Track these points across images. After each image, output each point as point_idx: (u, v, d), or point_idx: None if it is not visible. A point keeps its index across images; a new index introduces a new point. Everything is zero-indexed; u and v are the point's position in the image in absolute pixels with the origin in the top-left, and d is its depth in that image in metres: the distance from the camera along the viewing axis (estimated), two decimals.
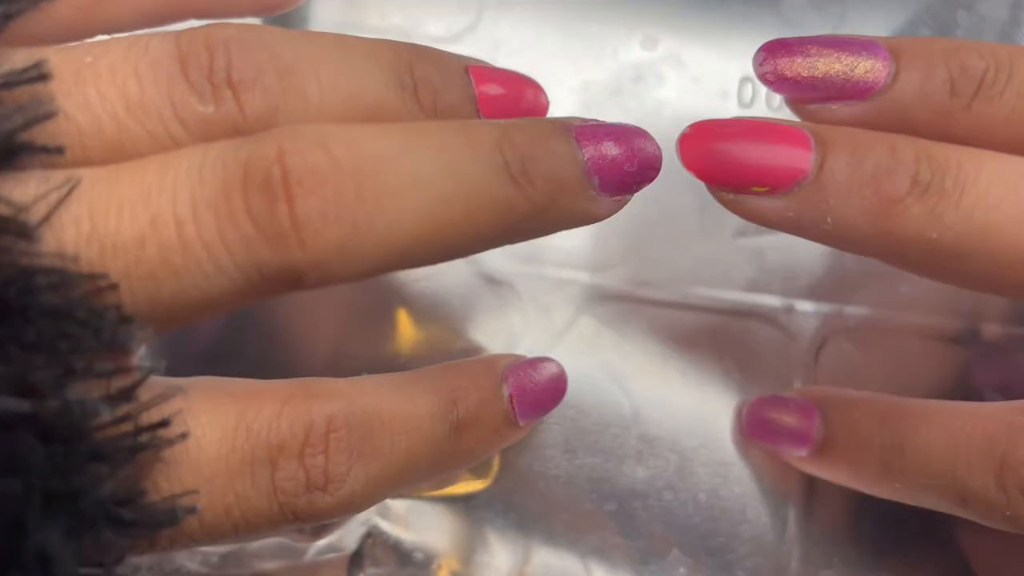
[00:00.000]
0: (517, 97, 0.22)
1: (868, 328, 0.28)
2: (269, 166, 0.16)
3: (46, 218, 0.15)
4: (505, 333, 0.27)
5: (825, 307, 0.28)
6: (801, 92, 0.21)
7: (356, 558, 0.27)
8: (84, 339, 0.15)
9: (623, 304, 0.28)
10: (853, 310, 0.28)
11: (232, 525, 0.18)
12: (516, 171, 0.17)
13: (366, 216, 0.16)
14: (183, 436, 0.17)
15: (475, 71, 0.20)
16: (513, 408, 0.22)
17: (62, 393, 0.15)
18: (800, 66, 0.21)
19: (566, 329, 0.27)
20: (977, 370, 0.28)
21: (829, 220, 0.19)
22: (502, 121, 0.18)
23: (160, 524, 0.16)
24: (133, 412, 0.16)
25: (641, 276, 0.28)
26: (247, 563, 0.28)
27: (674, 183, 0.28)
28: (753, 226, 0.28)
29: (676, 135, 0.28)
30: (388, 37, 0.28)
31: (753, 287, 0.28)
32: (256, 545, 0.28)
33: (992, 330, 0.28)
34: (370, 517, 0.27)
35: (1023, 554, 0.27)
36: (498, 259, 0.28)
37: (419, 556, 0.27)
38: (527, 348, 0.27)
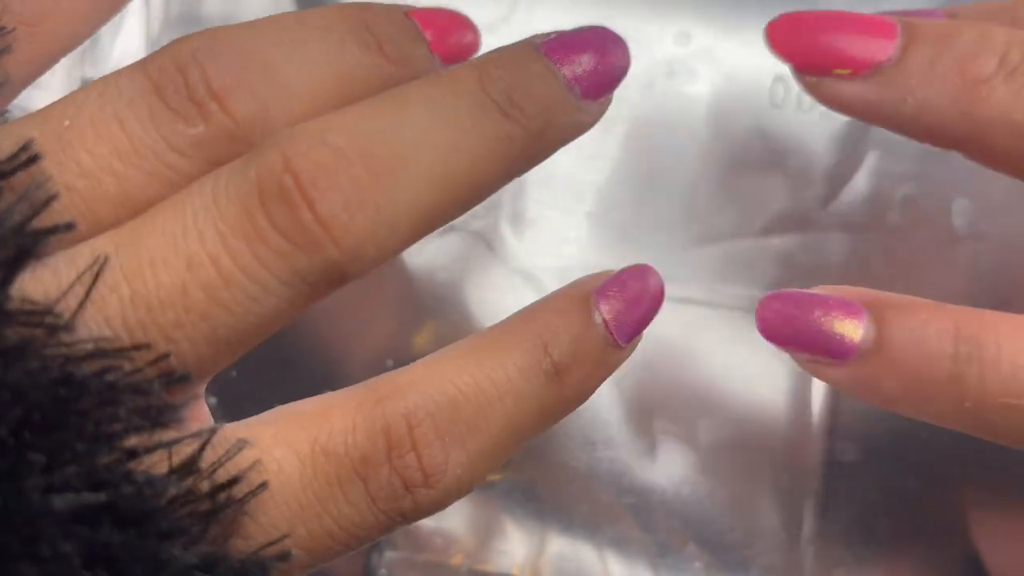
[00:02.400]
0: (443, 36, 0.21)
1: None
2: (280, 176, 0.16)
3: (86, 297, 0.15)
4: None
5: None
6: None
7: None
8: (140, 415, 0.15)
9: None
10: None
11: (342, 544, 0.17)
12: (505, 105, 0.18)
13: (386, 194, 0.16)
14: (262, 487, 0.16)
15: (414, 15, 0.20)
16: (611, 332, 0.20)
17: (131, 477, 0.14)
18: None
19: None
20: None
21: (910, 102, 0.19)
22: (475, 60, 0.18)
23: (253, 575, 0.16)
24: (204, 475, 0.16)
25: (667, 272, 0.28)
26: None
27: (703, 182, 0.28)
28: (778, 227, 0.28)
29: (707, 131, 0.28)
30: None
31: (778, 286, 0.28)
32: None
33: None
34: None
35: None
36: (525, 254, 0.28)
37: (437, 541, 0.28)
38: None
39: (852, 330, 0.19)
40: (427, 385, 0.18)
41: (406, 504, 0.17)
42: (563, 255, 0.28)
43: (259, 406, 0.28)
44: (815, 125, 0.28)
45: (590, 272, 0.28)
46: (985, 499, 0.28)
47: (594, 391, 0.20)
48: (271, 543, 0.16)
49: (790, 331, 0.21)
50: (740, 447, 0.28)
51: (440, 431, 0.17)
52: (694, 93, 0.28)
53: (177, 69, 0.17)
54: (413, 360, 0.27)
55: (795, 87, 0.28)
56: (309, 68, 0.18)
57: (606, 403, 0.27)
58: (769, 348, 0.28)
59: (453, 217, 0.18)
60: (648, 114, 0.28)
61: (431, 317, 0.28)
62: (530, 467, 0.27)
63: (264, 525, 0.16)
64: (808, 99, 0.28)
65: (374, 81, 0.18)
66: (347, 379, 0.27)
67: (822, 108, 0.28)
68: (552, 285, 0.27)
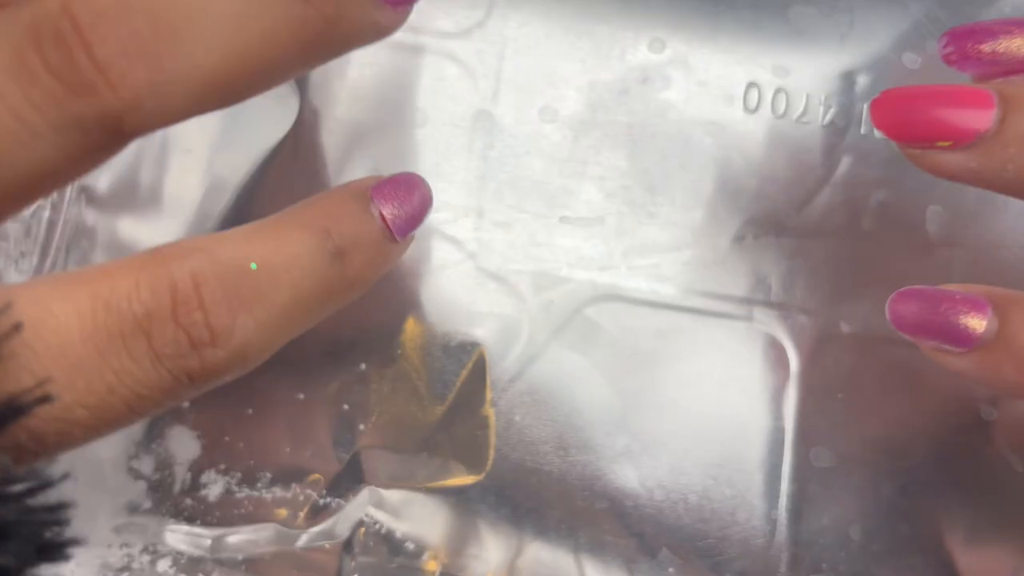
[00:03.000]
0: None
1: (864, 335, 0.28)
2: (56, 20, 0.15)
3: None
4: (504, 328, 0.28)
5: (823, 313, 0.28)
6: (983, 68, 0.22)
7: (348, 546, 0.28)
8: None
9: (621, 304, 0.28)
10: (849, 316, 0.28)
11: (124, 404, 0.17)
12: None
13: (168, 49, 0.16)
14: (16, 328, 0.16)
15: None
16: (386, 226, 0.21)
17: None
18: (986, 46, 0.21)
19: (564, 326, 0.28)
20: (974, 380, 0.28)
21: (1010, 168, 0.20)
22: None
23: (5, 418, 0.15)
24: None
25: (640, 277, 0.28)
26: (241, 548, 0.28)
27: (678, 188, 0.28)
28: (752, 232, 0.28)
29: (681, 137, 0.28)
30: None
31: (752, 292, 0.28)
32: (250, 531, 0.28)
33: None
34: (364, 507, 0.27)
35: (1010, 563, 0.28)
36: (499, 257, 0.28)
37: (410, 547, 0.28)
38: (525, 343, 0.28)
39: (976, 323, 0.21)
40: (215, 251, 0.18)
41: (192, 363, 0.17)
42: (535, 258, 0.28)
43: (233, 414, 0.28)
44: (789, 131, 0.28)
45: (563, 278, 0.28)
46: (958, 506, 0.28)
47: (374, 279, 0.22)
48: (33, 388, 0.16)
49: (920, 322, 0.22)
50: (713, 452, 0.28)
51: (228, 293, 0.18)
52: (668, 99, 0.28)
53: None
54: (390, 365, 0.28)
55: (769, 93, 0.29)
56: None
57: (580, 407, 0.27)
58: (742, 354, 0.28)
59: (244, 92, 0.18)
60: (622, 119, 0.28)
61: (410, 318, 0.28)
62: (504, 472, 0.27)
63: (39, 375, 0.16)
64: (782, 105, 0.29)
65: None
66: (324, 382, 0.27)
67: (796, 113, 0.29)
68: (525, 288, 0.28)
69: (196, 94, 0.17)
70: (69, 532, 0.16)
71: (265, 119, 0.28)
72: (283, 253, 0.19)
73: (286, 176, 0.28)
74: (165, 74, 0.16)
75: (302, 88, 0.28)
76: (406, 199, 0.22)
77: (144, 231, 0.28)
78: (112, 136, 0.16)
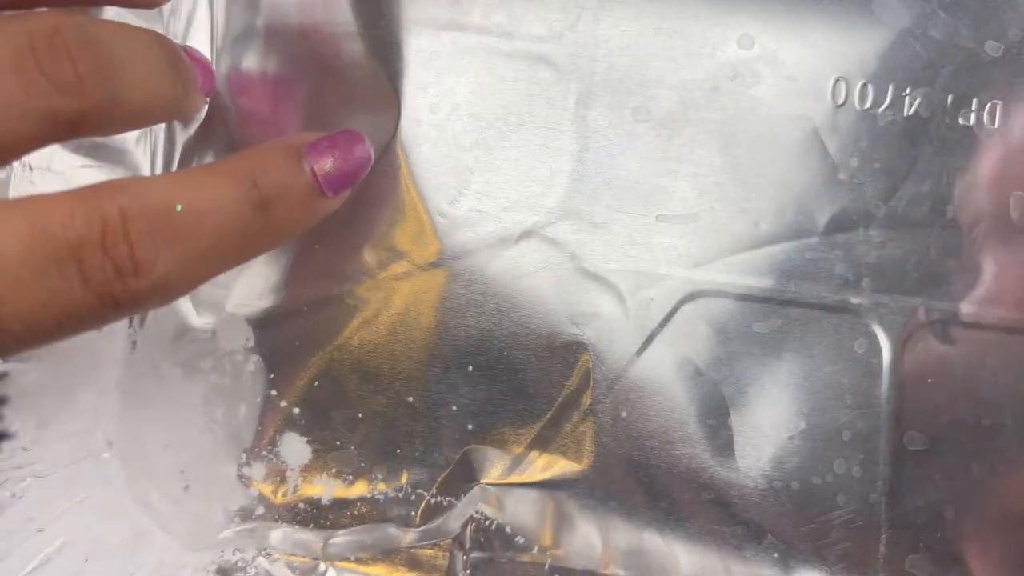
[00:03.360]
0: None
1: (953, 322, 0.29)
2: (51, 35, 0.20)
3: None
4: (606, 327, 0.28)
5: (912, 301, 0.29)
6: None
7: (459, 542, 0.28)
8: None
9: (718, 299, 0.28)
10: (939, 304, 0.29)
11: (54, 320, 0.19)
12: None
13: (121, 76, 0.21)
14: None
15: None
16: (318, 182, 0.23)
17: None
18: None
19: (664, 323, 0.28)
20: None
21: None
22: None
23: None
24: None
25: (735, 272, 0.28)
26: (353, 548, 0.29)
27: (769, 183, 0.28)
28: (842, 225, 0.29)
29: (771, 133, 0.29)
30: (491, 36, 0.28)
31: (844, 283, 0.29)
32: (362, 532, 0.29)
33: None
34: (474, 504, 0.28)
35: None
36: (599, 258, 0.28)
37: (520, 541, 0.28)
38: (627, 341, 0.28)
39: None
40: (145, 191, 0.20)
41: (117, 289, 0.20)
42: (634, 257, 0.28)
43: (343, 418, 0.28)
44: (875, 123, 0.29)
45: (661, 275, 0.28)
46: None
47: (298, 230, 0.23)
48: None
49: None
50: (813, 441, 0.28)
51: (152, 230, 0.20)
52: (758, 95, 0.29)
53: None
54: (497, 366, 0.28)
55: (856, 86, 0.29)
56: None
57: (683, 402, 0.28)
58: (837, 344, 0.28)
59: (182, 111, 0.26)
60: (713, 116, 0.29)
61: (509, 320, 0.28)
62: (611, 466, 0.28)
63: None
64: (868, 97, 0.29)
65: None
66: (432, 385, 0.28)
67: (882, 106, 0.29)
68: (625, 287, 0.28)
69: (134, 116, 0.23)
70: None
71: (365, 131, 0.28)
72: (208, 198, 0.21)
73: (386, 188, 0.28)
74: (117, 93, 0.21)
75: (400, 98, 0.28)
76: (341, 156, 0.24)
77: None
78: (68, 131, 0.20)
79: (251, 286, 0.29)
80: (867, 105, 0.29)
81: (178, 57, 0.24)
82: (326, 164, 0.23)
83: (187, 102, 0.25)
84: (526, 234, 0.28)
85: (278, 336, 0.28)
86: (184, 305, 0.29)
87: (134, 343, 0.29)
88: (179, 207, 0.20)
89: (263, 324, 0.28)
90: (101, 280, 0.19)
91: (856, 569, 0.28)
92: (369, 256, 0.28)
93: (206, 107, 0.28)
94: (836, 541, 0.28)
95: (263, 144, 0.23)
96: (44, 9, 0.22)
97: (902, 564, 0.28)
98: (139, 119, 0.24)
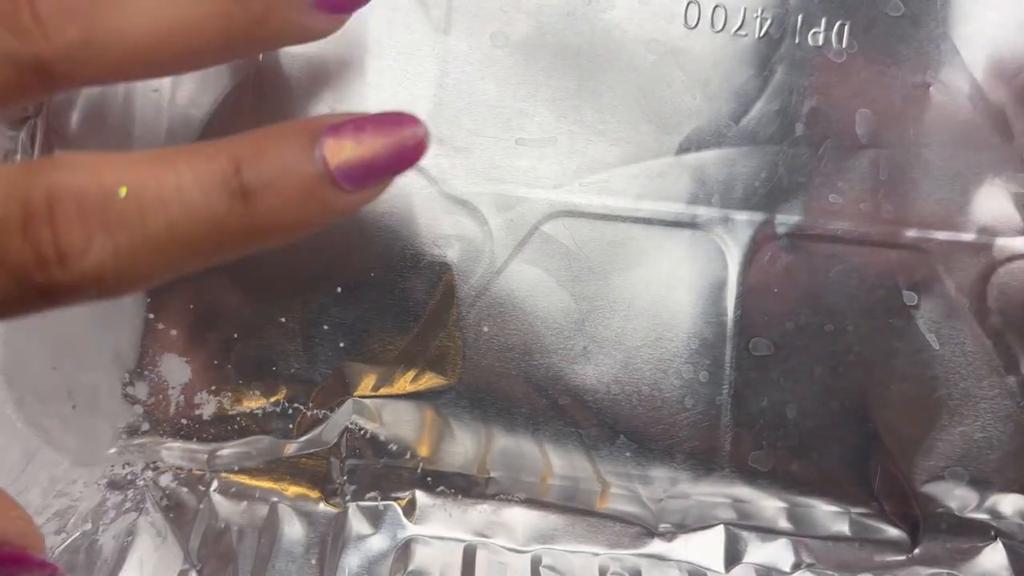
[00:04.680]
0: None
1: (798, 234, 0.30)
2: None
3: None
4: (469, 248, 0.30)
5: (760, 216, 0.30)
6: None
7: (336, 451, 0.30)
8: None
9: (575, 218, 0.30)
10: (785, 218, 0.30)
11: None
12: None
13: (102, 15, 0.19)
14: None
15: None
16: (330, 173, 0.19)
17: None
18: None
19: (524, 242, 0.30)
20: (898, 271, 0.31)
21: None
22: None
23: None
24: None
25: (592, 192, 0.30)
26: (236, 460, 0.31)
27: (624, 106, 0.30)
28: (695, 144, 0.30)
29: (626, 56, 0.30)
30: None
31: (695, 200, 0.30)
32: (243, 444, 0.30)
33: (912, 234, 0.31)
34: (348, 416, 0.30)
35: (920, 426, 0.31)
36: (461, 182, 0.29)
37: (393, 448, 0.30)
38: (489, 260, 0.30)
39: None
40: (85, 170, 0.18)
41: (38, 278, 0.17)
42: (495, 180, 0.30)
43: (220, 339, 0.29)
44: (728, 45, 0.30)
45: (521, 198, 0.30)
46: (883, 382, 0.31)
47: (303, 228, 0.19)
48: None
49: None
50: (663, 348, 0.30)
51: (84, 214, 0.17)
52: (612, 19, 0.30)
53: None
54: (365, 288, 0.29)
55: (708, 9, 0.30)
56: None
57: (541, 315, 0.30)
58: (687, 257, 0.30)
59: (167, 68, 0.21)
60: (569, 41, 0.30)
61: (381, 242, 0.30)
62: (475, 377, 0.30)
63: None
64: (721, 20, 0.30)
65: None
66: (304, 306, 0.29)
67: (734, 27, 0.30)
68: (487, 209, 0.30)
69: (120, 59, 0.19)
70: None
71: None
72: (164, 183, 0.18)
73: (253, 112, 0.29)
74: (94, 35, 0.19)
75: None
76: (368, 142, 0.19)
77: None
78: (41, 80, 0.19)
79: None
80: (719, 27, 0.30)
81: None
82: (343, 150, 0.19)
83: (267, 22, 0.21)
84: None
85: None
86: None
87: None
88: (123, 190, 0.17)
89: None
90: (19, 267, 0.17)
91: (703, 466, 0.31)
92: None
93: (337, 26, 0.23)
94: (684, 440, 0.31)
95: (278, 125, 0.20)
96: None
97: (745, 460, 0.31)
98: (158, 60, 0.20)
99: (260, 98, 0.28)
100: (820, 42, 0.30)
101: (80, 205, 0.17)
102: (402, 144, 0.20)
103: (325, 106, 0.29)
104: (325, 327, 0.30)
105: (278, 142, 0.19)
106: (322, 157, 0.19)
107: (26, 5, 0.18)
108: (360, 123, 0.19)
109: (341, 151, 0.19)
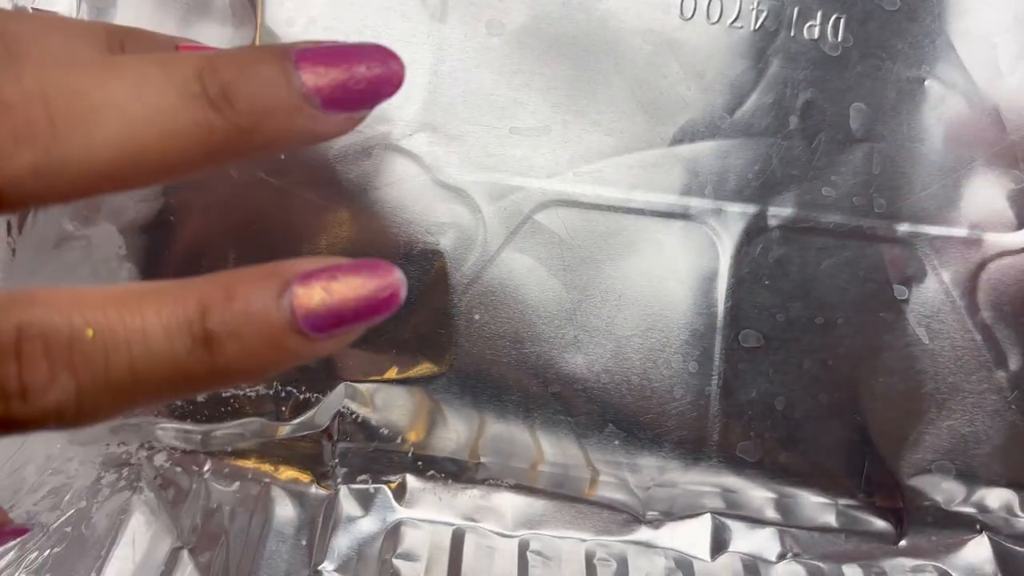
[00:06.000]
0: None
1: (791, 227, 0.31)
2: None
3: None
4: (462, 236, 0.30)
5: (753, 208, 0.31)
6: None
7: (328, 434, 0.31)
8: None
9: (568, 208, 0.30)
10: (778, 210, 0.31)
11: None
12: (215, 95, 0.18)
13: (59, 141, 0.18)
14: None
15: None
16: (297, 319, 0.18)
17: None
18: None
19: (516, 231, 0.30)
20: (890, 265, 0.31)
21: None
22: (211, 52, 0.19)
23: None
24: None
25: (585, 182, 0.30)
26: (229, 440, 0.31)
27: (619, 96, 0.30)
28: (688, 135, 0.30)
29: (621, 46, 0.30)
30: None
31: (688, 191, 0.30)
32: (237, 426, 0.31)
33: (904, 229, 0.31)
34: (340, 400, 0.30)
35: (908, 419, 0.31)
36: (454, 170, 0.30)
37: (384, 432, 0.31)
38: (481, 249, 0.30)
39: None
40: (58, 308, 0.18)
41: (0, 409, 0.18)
42: (488, 168, 0.30)
43: None
44: (723, 36, 0.30)
45: (514, 187, 0.30)
46: (872, 375, 0.31)
47: (262, 375, 0.19)
48: None
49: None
50: (653, 338, 0.31)
51: (51, 353, 0.18)
52: (608, 8, 0.30)
53: None
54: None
55: (704, 1, 0.30)
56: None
57: (533, 304, 0.30)
58: (679, 248, 0.30)
59: (135, 185, 0.19)
60: (565, 30, 0.30)
61: (368, 230, 0.30)
62: (466, 364, 0.30)
63: None
64: (716, 11, 0.30)
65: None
66: None
67: (730, 19, 0.30)
68: (480, 198, 0.30)
69: (80, 183, 0.18)
70: None
71: (221, 40, 0.29)
72: (131, 327, 0.18)
73: None
74: (51, 162, 0.18)
75: (256, 9, 0.29)
76: (339, 297, 0.19)
77: None
78: None
79: (123, 197, 0.30)
80: (715, 19, 0.30)
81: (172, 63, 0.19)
82: (312, 300, 0.18)
83: (257, 132, 0.19)
84: (384, 146, 0.30)
85: (148, 244, 0.30)
86: (61, 215, 0.30)
87: (13, 251, 0.30)
88: (90, 332, 0.18)
89: (134, 233, 0.30)
90: None
91: (691, 455, 0.31)
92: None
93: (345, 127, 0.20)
94: (673, 429, 0.31)
95: (247, 268, 0.19)
96: None
97: (733, 451, 0.31)
98: (129, 176, 0.19)
99: None
100: (816, 35, 0.30)
101: (47, 344, 0.18)
102: (375, 296, 0.19)
103: None
104: None
105: (248, 288, 0.18)
106: (290, 306, 0.18)
107: None
108: (332, 271, 0.19)
109: (310, 300, 0.18)
